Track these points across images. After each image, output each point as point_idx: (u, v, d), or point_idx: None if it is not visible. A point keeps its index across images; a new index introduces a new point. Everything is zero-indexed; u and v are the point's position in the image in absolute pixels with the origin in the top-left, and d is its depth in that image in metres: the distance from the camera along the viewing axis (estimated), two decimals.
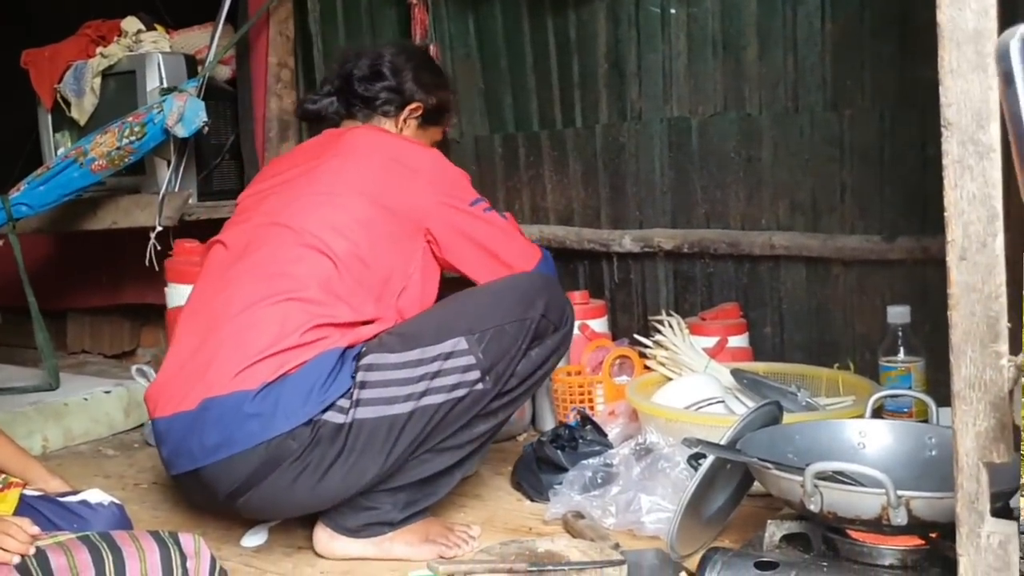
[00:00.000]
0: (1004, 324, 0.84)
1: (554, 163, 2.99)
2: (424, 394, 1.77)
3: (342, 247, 1.85)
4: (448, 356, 1.79)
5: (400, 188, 1.95)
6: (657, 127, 2.80)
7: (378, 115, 2.14)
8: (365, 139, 2.03)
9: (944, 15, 0.80)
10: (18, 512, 1.64)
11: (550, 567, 1.59)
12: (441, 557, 1.80)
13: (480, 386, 1.80)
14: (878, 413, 1.93)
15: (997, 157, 0.81)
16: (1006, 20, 0.79)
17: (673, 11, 2.70)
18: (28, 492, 1.73)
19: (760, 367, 2.45)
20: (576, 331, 2.70)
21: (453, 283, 2.09)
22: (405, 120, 2.15)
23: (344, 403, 1.74)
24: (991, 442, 0.85)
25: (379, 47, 2.25)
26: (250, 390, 1.71)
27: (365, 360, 1.78)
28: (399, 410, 1.75)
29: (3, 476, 1.75)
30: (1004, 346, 0.84)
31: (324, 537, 1.85)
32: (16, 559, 1.29)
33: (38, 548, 1.32)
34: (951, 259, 0.84)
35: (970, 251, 0.83)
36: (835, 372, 2.37)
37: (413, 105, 2.14)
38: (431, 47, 2.93)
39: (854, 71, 2.48)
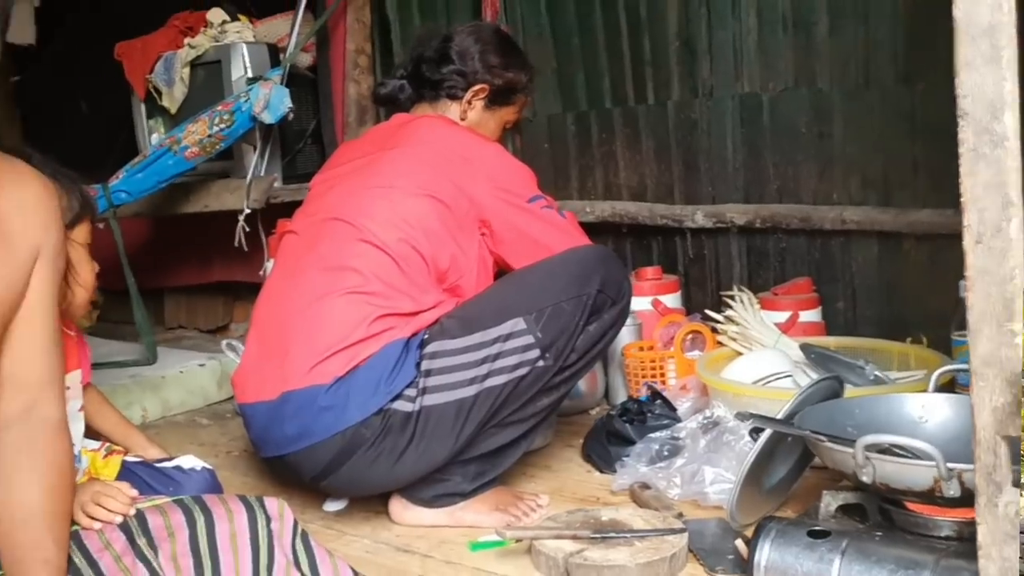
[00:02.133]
0: (1019, 304, 0.86)
1: (627, 140, 3.03)
2: (487, 376, 1.82)
3: (398, 241, 1.90)
4: (507, 337, 1.83)
5: (458, 181, 1.97)
6: (728, 104, 2.81)
7: (444, 98, 2.16)
8: (427, 131, 2.06)
9: (960, 10, 0.83)
10: (120, 477, 1.79)
11: (612, 534, 1.65)
12: (509, 525, 1.87)
13: (541, 363, 1.85)
14: (948, 387, 1.94)
15: (1011, 146, 0.83)
16: (1023, 14, 0.82)
17: None
18: (129, 459, 1.87)
19: (831, 342, 2.46)
20: (649, 306, 2.76)
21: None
22: (470, 102, 2.15)
23: (411, 392, 1.82)
24: (1007, 416, 0.88)
25: (452, 29, 2.26)
26: (323, 384, 1.81)
27: (429, 348, 1.84)
28: (464, 394, 1.82)
29: (107, 444, 1.90)
30: (1018, 325, 0.87)
31: (398, 507, 1.96)
32: (118, 519, 1.41)
33: (137, 510, 1.43)
34: (967, 243, 0.87)
35: (985, 236, 0.86)
36: (907, 347, 2.37)
37: (477, 87, 2.15)
38: (502, 27, 2.99)
39: (926, 45, 2.45)
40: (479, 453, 1.90)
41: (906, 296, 2.60)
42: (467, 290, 1.99)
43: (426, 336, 1.87)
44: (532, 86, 2.30)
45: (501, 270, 2.09)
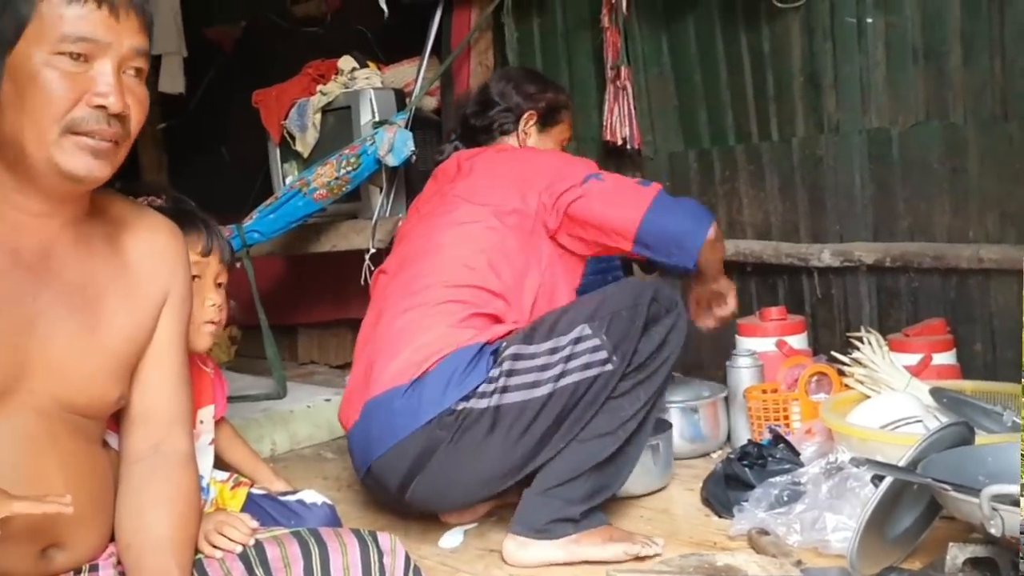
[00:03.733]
0: None
1: (750, 177, 2.99)
2: (561, 376, 1.92)
3: (472, 268, 2.05)
4: (578, 340, 1.94)
5: (522, 195, 2.12)
6: (856, 139, 2.74)
7: (499, 136, 2.36)
8: (488, 159, 2.24)
9: None
10: (244, 508, 1.85)
11: None
12: (626, 553, 1.88)
13: (609, 366, 1.93)
14: None
15: None
16: None
17: (870, 20, 2.65)
18: (254, 491, 1.94)
19: (967, 386, 2.35)
20: (773, 347, 2.70)
21: None
22: (524, 131, 2.37)
23: (487, 388, 1.92)
24: None
25: (484, 82, 2.50)
26: (401, 385, 1.94)
27: (511, 350, 1.95)
28: (540, 392, 1.92)
29: (235, 476, 1.97)
30: None
31: (512, 546, 1.95)
32: (238, 548, 1.46)
33: (257, 540, 1.48)
34: None
35: None
36: None
37: (526, 115, 2.37)
38: (622, 69, 3.01)
39: None
40: (581, 471, 1.93)
41: None
42: (542, 303, 2.12)
43: (503, 344, 1.98)
44: (571, 104, 2.52)
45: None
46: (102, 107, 1.22)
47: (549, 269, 2.15)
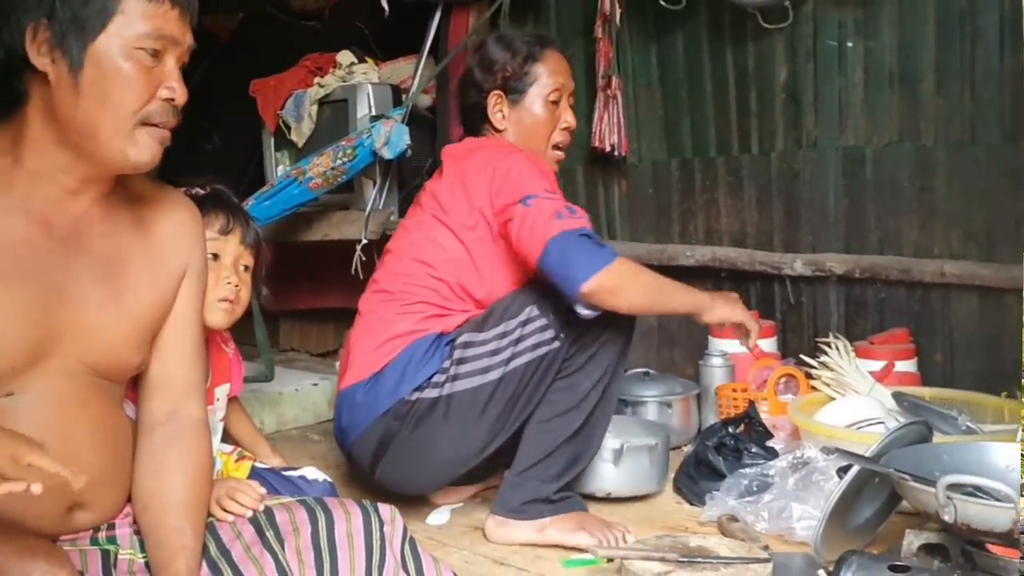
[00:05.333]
0: None
1: (729, 188, 3.12)
2: (511, 359, 2.02)
3: (440, 259, 2.13)
4: (526, 322, 2.03)
5: (477, 199, 2.10)
6: (832, 156, 2.88)
7: (480, 122, 2.29)
8: (458, 160, 2.21)
9: None
10: (249, 479, 1.93)
11: (699, 559, 1.73)
12: (590, 545, 1.96)
13: (556, 343, 2.02)
14: None
15: None
16: None
17: (850, 44, 2.79)
18: (259, 465, 2.02)
19: (926, 392, 2.49)
20: (743, 349, 2.82)
21: None
22: (498, 113, 2.24)
23: (439, 378, 2.04)
24: None
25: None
26: (362, 380, 2.09)
27: (462, 339, 2.06)
28: (491, 377, 2.02)
29: (239, 449, 2.06)
30: None
31: (492, 525, 2.09)
32: (249, 513, 1.55)
33: (266, 506, 1.56)
34: None
35: None
36: (1002, 400, 2.39)
37: (491, 100, 2.24)
38: (613, 79, 3.13)
39: None
40: (549, 450, 2.05)
41: (1006, 351, 2.60)
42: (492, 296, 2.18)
43: (457, 333, 2.08)
44: (540, 53, 2.28)
45: None
46: (170, 100, 1.32)
47: (499, 271, 2.15)
